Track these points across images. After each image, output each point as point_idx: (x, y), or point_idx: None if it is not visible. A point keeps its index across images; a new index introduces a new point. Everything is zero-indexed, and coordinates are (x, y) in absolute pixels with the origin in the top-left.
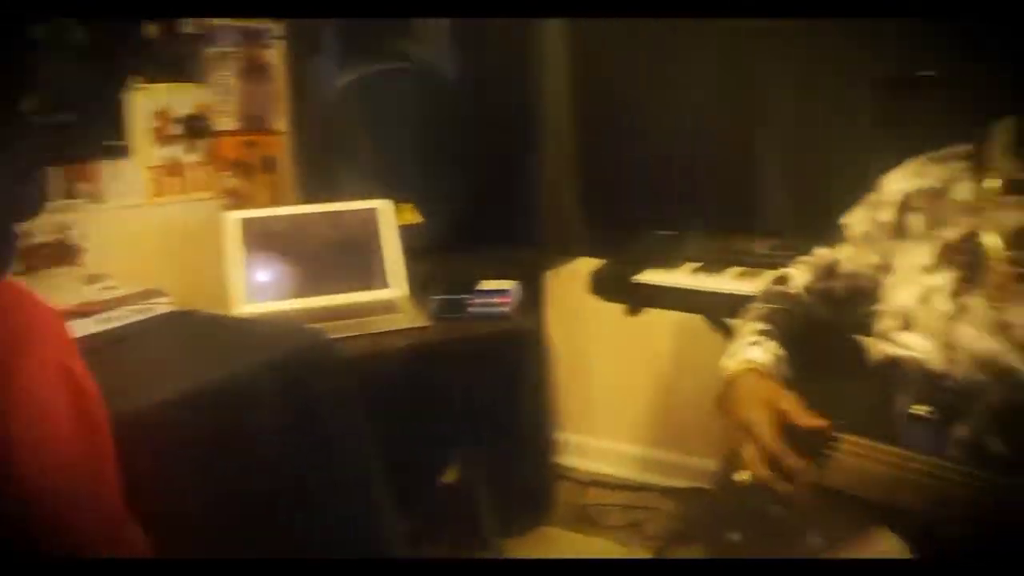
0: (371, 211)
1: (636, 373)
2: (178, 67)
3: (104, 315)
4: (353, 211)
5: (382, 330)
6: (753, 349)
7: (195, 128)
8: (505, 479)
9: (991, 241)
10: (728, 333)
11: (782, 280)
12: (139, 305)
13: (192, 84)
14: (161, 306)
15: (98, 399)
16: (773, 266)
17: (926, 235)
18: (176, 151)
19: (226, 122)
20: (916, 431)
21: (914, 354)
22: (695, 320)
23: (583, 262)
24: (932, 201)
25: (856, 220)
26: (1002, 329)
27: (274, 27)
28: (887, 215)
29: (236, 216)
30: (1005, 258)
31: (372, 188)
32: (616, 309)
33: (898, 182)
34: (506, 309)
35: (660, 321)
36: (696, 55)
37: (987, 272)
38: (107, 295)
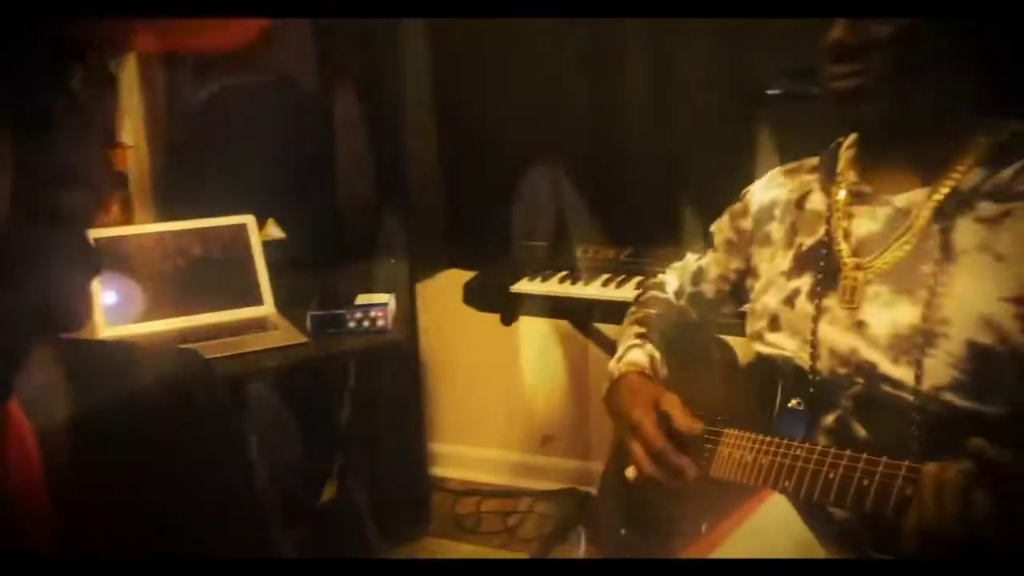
0: (241, 227)
1: (503, 381)
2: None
3: None
4: (221, 227)
5: (259, 348)
6: (633, 351)
7: None
8: (384, 492)
9: (841, 248)
10: (597, 338)
11: (656, 286)
12: None
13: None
14: None
15: (33, 438)
16: (633, 273)
17: (785, 242)
18: None
19: None
20: (790, 421)
21: (784, 352)
22: (558, 326)
23: (451, 274)
24: (789, 211)
25: (721, 228)
26: (858, 327)
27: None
28: (749, 224)
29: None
30: (853, 264)
31: (234, 203)
32: (485, 319)
33: (758, 193)
34: (384, 323)
35: (526, 330)
36: (566, 69)
37: (839, 276)
38: None
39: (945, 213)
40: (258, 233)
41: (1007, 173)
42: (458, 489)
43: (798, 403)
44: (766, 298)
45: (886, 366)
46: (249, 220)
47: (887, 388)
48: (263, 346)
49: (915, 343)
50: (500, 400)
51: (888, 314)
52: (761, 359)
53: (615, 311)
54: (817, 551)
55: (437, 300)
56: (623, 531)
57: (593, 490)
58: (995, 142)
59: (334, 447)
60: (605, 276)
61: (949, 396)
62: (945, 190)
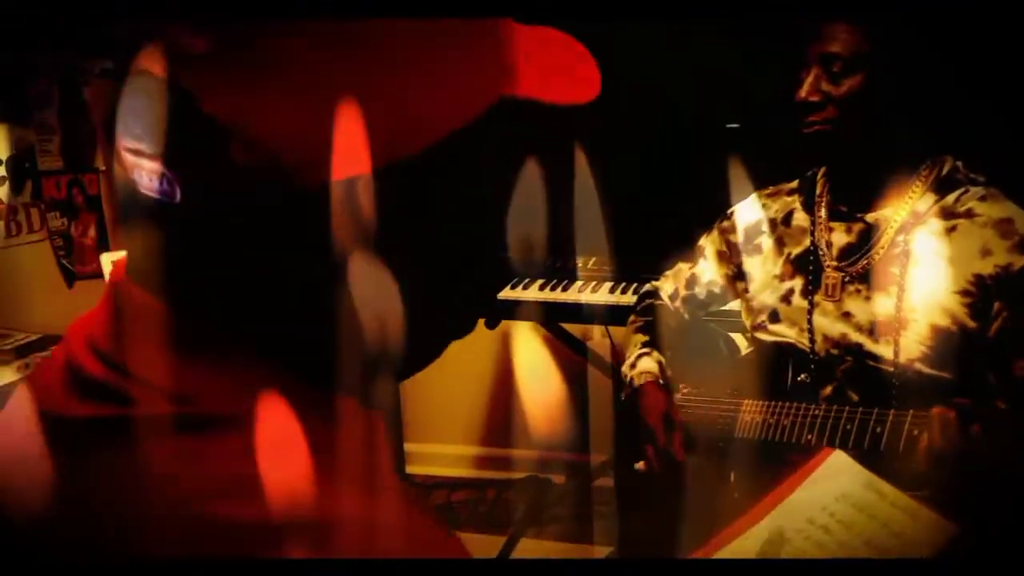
0: None
1: (463, 381)
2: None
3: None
4: None
5: None
6: (644, 360)
7: (19, 169)
8: None
9: (825, 255)
10: (565, 338)
11: (652, 294)
12: (50, 349)
13: (9, 124)
14: None
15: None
16: (602, 280)
17: (775, 252)
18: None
19: (50, 162)
20: (799, 391)
21: (787, 339)
22: (514, 327)
23: None
24: (776, 226)
25: (712, 241)
26: (845, 317)
27: (99, 64)
28: (739, 237)
29: (107, 258)
30: (835, 267)
31: None
32: None
33: (746, 213)
34: None
35: (482, 332)
36: None
37: (823, 277)
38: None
39: (906, 228)
40: None
41: (951, 198)
42: (427, 483)
43: (806, 377)
44: (763, 297)
45: (870, 346)
46: None
47: (871, 363)
48: None
49: (891, 327)
50: (463, 399)
51: (868, 306)
52: (765, 346)
53: (597, 313)
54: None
55: None
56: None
57: (554, 477)
58: (938, 174)
59: None
60: (581, 283)
61: (919, 366)
62: (905, 210)
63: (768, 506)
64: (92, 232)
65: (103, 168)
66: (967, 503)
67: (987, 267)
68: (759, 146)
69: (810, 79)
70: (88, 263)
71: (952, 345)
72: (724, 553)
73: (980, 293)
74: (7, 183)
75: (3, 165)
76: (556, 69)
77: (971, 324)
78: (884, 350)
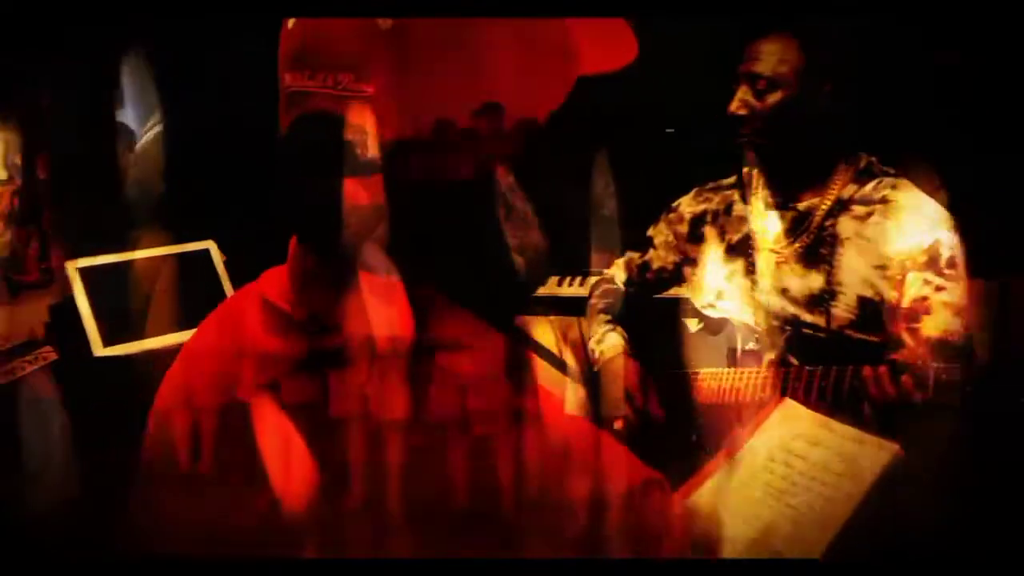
0: (205, 251)
1: None
2: None
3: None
4: (187, 252)
5: None
6: (611, 336)
7: None
8: None
9: (761, 240)
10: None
11: (607, 280)
12: (32, 354)
13: None
14: (50, 354)
15: None
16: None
17: (718, 239)
18: None
19: None
20: (749, 359)
21: (733, 314)
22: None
23: None
24: (718, 216)
25: (659, 232)
26: (783, 293)
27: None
28: (684, 228)
29: (72, 266)
30: (770, 249)
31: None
32: None
33: (690, 205)
34: None
35: None
36: None
37: (761, 259)
38: None
39: (832, 214)
40: (220, 256)
41: (869, 187)
42: None
43: (755, 345)
44: (709, 279)
45: (805, 316)
46: (211, 245)
47: (807, 331)
48: None
49: (823, 299)
50: None
51: (802, 282)
52: (714, 322)
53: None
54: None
55: None
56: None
57: None
58: (856, 167)
59: None
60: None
61: (848, 331)
62: (830, 199)
63: (731, 452)
64: (34, 243)
65: (44, 178)
66: (905, 434)
67: (901, 245)
68: (699, 148)
69: (739, 95)
70: (29, 273)
71: (873, 312)
72: (700, 495)
73: (896, 267)
74: None
75: None
76: (604, 41)
77: (890, 295)
78: (818, 319)
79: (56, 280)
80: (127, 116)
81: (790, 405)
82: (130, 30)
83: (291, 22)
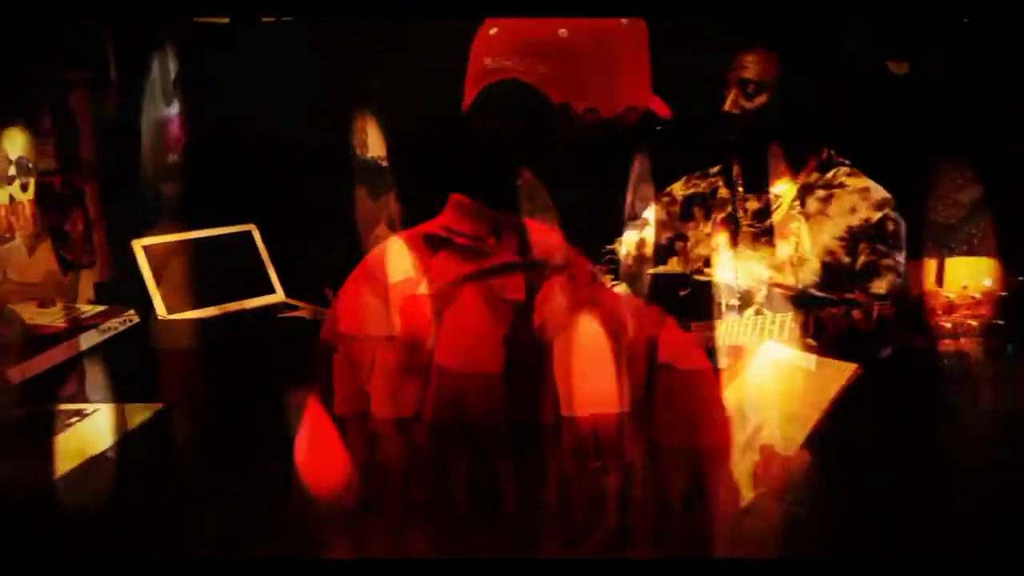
0: (248, 232)
1: None
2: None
3: (103, 326)
4: (232, 233)
5: (309, 317)
6: (618, 287)
7: (25, 168)
8: None
9: (741, 217)
10: None
11: (611, 252)
12: (121, 318)
13: (18, 128)
14: (134, 318)
15: None
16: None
17: (704, 217)
18: (14, 191)
19: (47, 162)
20: (731, 314)
21: (720, 279)
22: None
23: None
24: (706, 199)
25: (655, 212)
26: (759, 259)
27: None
28: (677, 208)
29: (138, 244)
30: (748, 225)
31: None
32: None
33: (681, 189)
34: None
35: None
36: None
37: (740, 233)
38: (79, 313)
39: (800, 196)
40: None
41: (830, 174)
42: None
43: (736, 302)
44: (698, 250)
45: (778, 278)
46: (252, 227)
47: (779, 290)
48: (318, 315)
49: (792, 264)
50: None
51: (775, 251)
52: (701, 284)
53: None
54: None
55: None
56: None
57: None
58: (819, 159)
59: None
60: None
61: (813, 290)
62: (798, 184)
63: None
64: (80, 226)
65: (87, 168)
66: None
67: (854, 221)
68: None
69: (731, 97)
70: (78, 255)
71: (834, 273)
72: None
73: (850, 238)
74: (17, 181)
75: (14, 165)
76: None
77: (845, 260)
78: (788, 280)
79: (96, 261)
80: (165, 107)
81: (770, 345)
82: (174, 19)
83: (492, 27)
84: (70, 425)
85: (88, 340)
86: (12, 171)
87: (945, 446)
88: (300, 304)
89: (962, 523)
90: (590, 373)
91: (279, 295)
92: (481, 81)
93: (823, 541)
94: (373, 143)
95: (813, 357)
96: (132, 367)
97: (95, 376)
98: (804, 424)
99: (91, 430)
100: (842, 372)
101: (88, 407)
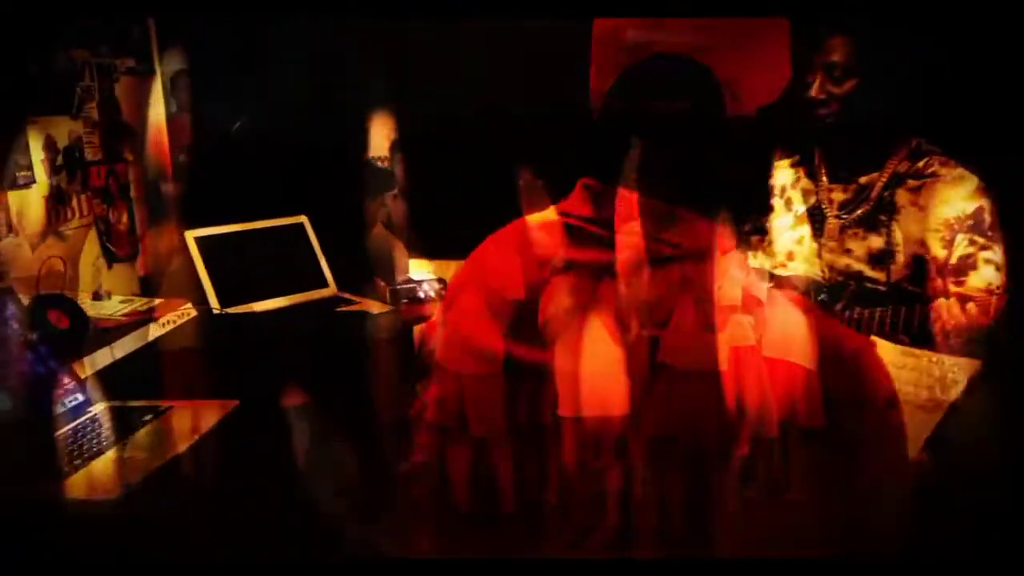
0: (300, 224)
1: None
2: (56, 101)
3: (162, 319)
4: (284, 226)
5: (376, 312)
6: None
7: (72, 159)
8: None
9: (827, 208)
10: None
11: None
12: (179, 311)
13: (67, 117)
14: (193, 311)
15: None
16: None
17: (785, 209)
18: (60, 180)
19: (93, 152)
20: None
21: (801, 273)
22: None
23: None
24: (785, 191)
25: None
26: (847, 253)
27: (125, 63)
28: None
29: (190, 235)
30: (834, 215)
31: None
32: None
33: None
34: (440, 290)
35: None
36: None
37: (826, 225)
38: (134, 307)
39: (890, 186)
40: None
41: (920, 164)
42: None
43: (824, 297)
44: (780, 243)
45: (868, 272)
46: (303, 219)
47: (869, 285)
48: (377, 311)
49: (882, 258)
50: None
51: (864, 244)
52: (784, 279)
53: None
54: None
55: None
56: None
57: None
58: (910, 149)
59: None
60: None
61: (903, 284)
62: (888, 174)
63: None
64: (124, 218)
65: (131, 159)
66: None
67: (949, 212)
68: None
69: (818, 82)
70: (122, 247)
71: (924, 268)
72: None
73: (946, 230)
74: (64, 171)
75: (61, 155)
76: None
77: (941, 253)
78: (879, 274)
79: (139, 254)
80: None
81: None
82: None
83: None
84: (146, 422)
85: (150, 333)
86: (59, 160)
87: None
88: (356, 298)
89: None
90: None
91: (332, 288)
92: (630, 57)
93: (960, 542)
94: (373, 143)
95: (929, 353)
96: (188, 362)
97: (163, 371)
98: (926, 424)
99: (166, 429)
100: (963, 369)
101: (162, 404)
